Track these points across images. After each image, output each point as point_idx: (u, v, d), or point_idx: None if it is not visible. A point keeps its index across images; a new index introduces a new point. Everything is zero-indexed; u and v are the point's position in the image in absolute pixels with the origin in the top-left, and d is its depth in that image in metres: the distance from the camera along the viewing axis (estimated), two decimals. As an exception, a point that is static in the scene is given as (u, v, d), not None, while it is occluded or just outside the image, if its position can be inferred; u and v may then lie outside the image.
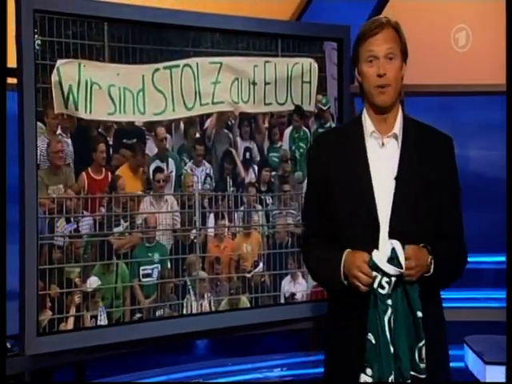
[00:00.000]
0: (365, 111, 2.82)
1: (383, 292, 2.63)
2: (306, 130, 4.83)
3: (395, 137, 2.79)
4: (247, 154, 4.64)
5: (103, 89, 4.14)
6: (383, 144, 2.79)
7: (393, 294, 2.64)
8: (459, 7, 5.32)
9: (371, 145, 2.79)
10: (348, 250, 2.71)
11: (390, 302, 2.64)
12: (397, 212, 2.72)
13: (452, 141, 2.85)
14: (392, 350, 2.63)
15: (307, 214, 2.96)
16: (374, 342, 2.64)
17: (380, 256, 2.63)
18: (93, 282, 4.14)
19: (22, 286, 3.92)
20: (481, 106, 5.71)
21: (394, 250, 2.62)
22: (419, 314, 2.64)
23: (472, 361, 4.96)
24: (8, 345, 4.11)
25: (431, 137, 2.84)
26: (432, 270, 2.68)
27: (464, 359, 5.05)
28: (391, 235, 2.70)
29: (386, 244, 2.65)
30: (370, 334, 2.64)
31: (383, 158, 2.78)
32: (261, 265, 4.69)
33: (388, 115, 2.79)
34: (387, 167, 2.76)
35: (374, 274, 2.63)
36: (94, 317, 4.15)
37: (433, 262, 2.68)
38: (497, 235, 4.10)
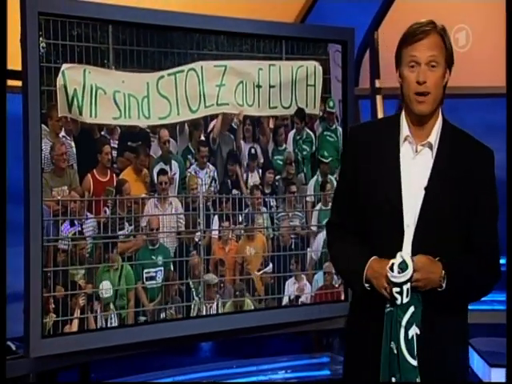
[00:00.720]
0: (403, 113, 2.76)
1: (397, 303, 2.62)
2: (310, 133, 4.83)
3: (430, 146, 2.72)
4: (251, 157, 4.65)
5: (108, 94, 4.15)
6: (417, 151, 2.72)
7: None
8: (459, 7, 5.31)
9: (405, 150, 2.73)
10: (374, 257, 2.67)
11: (408, 313, 2.63)
12: (423, 222, 2.67)
13: (493, 153, 2.76)
14: (410, 359, 2.63)
15: (337, 201, 2.90)
16: (395, 351, 2.63)
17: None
18: (105, 286, 4.15)
19: (26, 289, 3.92)
20: (486, 108, 5.70)
21: (403, 262, 2.61)
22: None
23: (477, 363, 4.95)
24: (13, 347, 4.13)
25: (470, 148, 2.75)
26: (444, 286, 2.63)
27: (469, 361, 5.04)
28: (415, 244, 2.67)
29: (397, 256, 2.64)
30: (392, 343, 2.63)
31: (415, 166, 2.72)
32: (270, 265, 4.69)
33: (426, 121, 2.72)
34: (419, 175, 2.70)
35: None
36: (98, 318, 4.16)
37: (446, 277, 2.62)
38: (504, 237, 4.08)
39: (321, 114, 4.84)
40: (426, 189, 2.69)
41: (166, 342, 4.38)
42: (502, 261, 4.97)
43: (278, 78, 4.68)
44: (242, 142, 4.62)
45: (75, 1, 4.04)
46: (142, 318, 4.29)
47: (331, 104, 4.85)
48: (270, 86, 4.67)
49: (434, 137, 2.73)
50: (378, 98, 5.44)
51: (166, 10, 4.34)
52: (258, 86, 4.63)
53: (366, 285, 2.67)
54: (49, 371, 4.20)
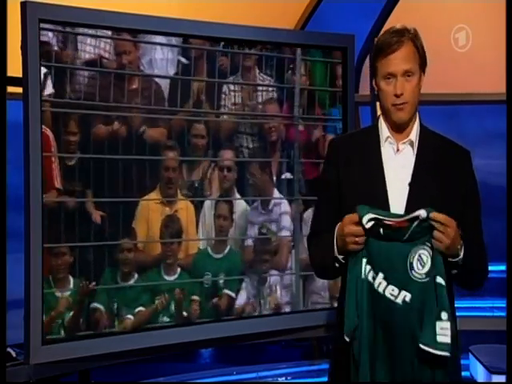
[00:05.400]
0: (381, 118, 2.83)
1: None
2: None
3: (411, 143, 2.79)
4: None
5: None
6: (398, 150, 2.79)
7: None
8: (459, 7, 5.32)
9: (386, 150, 2.79)
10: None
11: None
12: None
13: (469, 154, 2.84)
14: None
15: (318, 213, 2.95)
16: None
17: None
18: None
19: (26, 295, 3.92)
20: (487, 114, 5.71)
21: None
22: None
23: (477, 370, 4.94)
24: (13, 354, 4.13)
25: (448, 148, 2.83)
26: (461, 255, 2.65)
27: (469, 368, 5.03)
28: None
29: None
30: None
31: (398, 164, 2.78)
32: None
33: (404, 125, 2.79)
34: (402, 173, 2.76)
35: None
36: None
37: (463, 245, 2.66)
38: (503, 244, 4.09)
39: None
40: (410, 184, 2.74)
41: (166, 348, 4.37)
42: (503, 267, 5.00)
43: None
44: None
45: (76, 8, 4.04)
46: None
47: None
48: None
49: (414, 135, 2.80)
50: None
51: (166, 17, 4.34)
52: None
53: (340, 256, 2.69)
54: (49, 378, 4.19)
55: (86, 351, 4.10)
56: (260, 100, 4.61)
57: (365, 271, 2.64)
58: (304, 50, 4.71)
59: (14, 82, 3.95)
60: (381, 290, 2.63)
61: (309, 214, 4.69)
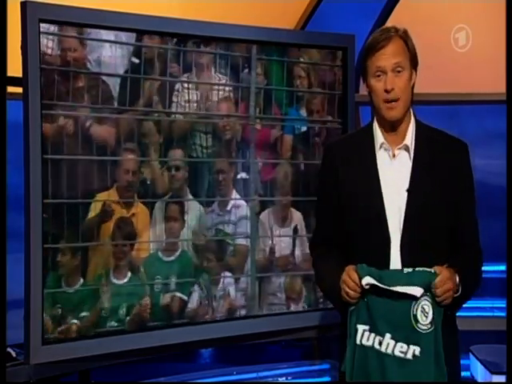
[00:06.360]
0: (375, 122, 2.80)
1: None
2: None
3: (406, 148, 2.77)
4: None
5: None
6: (394, 156, 2.77)
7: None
8: (459, 7, 5.32)
9: (382, 157, 2.77)
10: (349, 266, 2.68)
11: None
12: (408, 225, 2.71)
13: (467, 147, 2.81)
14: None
15: (318, 218, 2.95)
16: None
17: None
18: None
19: (26, 295, 3.92)
20: (487, 114, 5.71)
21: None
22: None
23: (478, 370, 4.94)
24: (13, 354, 4.13)
25: (445, 145, 2.80)
26: (460, 291, 2.66)
27: (470, 368, 5.03)
28: (402, 248, 2.70)
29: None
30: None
31: (394, 170, 2.76)
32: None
33: (399, 126, 2.77)
34: (398, 179, 2.74)
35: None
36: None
37: (461, 284, 2.66)
38: (504, 244, 4.09)
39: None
40: (408, 191, 2.73)
41: (167, 348, 4.37)
42: (503, 267, 5.01)
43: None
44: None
45: (76, 8, 4.04)
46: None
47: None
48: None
49: (410, 139, 2.78)
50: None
51: (166, 17, 4.34)
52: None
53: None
54: (49, 378, 4.19)
55: (86, 351, 4.10)
56: (215, 99, 4.50)
57: (366, 339, 2.63)
58: (259, 49, 4.62)
59: (14, 82, 3.96)
60: (390, 351, 2.62)
61: (265, 215, 4.68)
